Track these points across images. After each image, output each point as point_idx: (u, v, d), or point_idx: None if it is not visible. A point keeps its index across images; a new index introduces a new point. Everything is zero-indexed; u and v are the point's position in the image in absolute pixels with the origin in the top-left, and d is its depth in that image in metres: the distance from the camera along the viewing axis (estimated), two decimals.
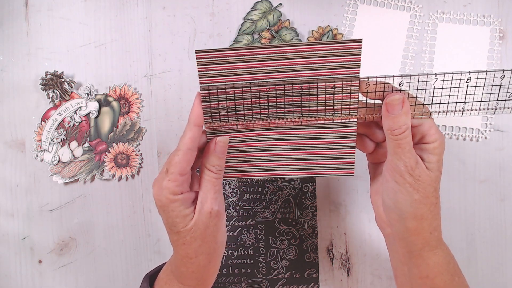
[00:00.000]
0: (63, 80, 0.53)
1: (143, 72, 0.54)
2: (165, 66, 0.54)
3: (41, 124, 0.53)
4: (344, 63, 0.36)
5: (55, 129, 0.53)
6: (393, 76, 0.37)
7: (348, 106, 0.38)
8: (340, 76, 0.37)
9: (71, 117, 0.53)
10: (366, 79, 0.37)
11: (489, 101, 0.37)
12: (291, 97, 0.38)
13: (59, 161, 0.53)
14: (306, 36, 0.53)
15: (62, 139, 0.53)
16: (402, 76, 0.37)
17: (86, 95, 0.53)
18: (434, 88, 0.37)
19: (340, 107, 0.38)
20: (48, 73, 0.53)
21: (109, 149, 0.53)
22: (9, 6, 0.54)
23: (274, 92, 0.38)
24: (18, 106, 0.54)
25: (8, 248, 0.54)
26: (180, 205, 0.37)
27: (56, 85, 0.53)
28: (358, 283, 0.53)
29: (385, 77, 0.37)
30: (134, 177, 0.54)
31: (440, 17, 0.53)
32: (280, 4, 0.54)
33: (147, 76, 0.54)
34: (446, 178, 0.52)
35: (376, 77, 0.37)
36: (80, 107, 0.53)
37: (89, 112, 0.53)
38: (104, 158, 0.53)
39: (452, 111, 0.38)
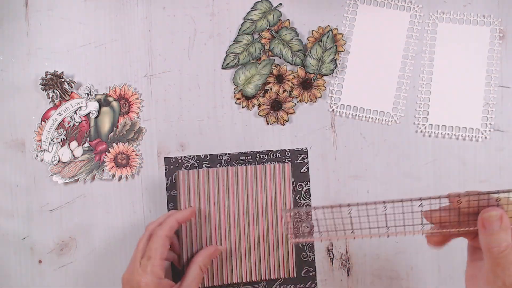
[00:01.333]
0: (63, 80, 0.53)
1: (143, 72, 0.54)
2: (165, 66, 0.54)
3: (41, 124, 0.53)
4: None
5: (55, 129, 0.53)
6: (488, 193, 0.34)
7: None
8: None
9: (71, 117, 0.53)
10: (457, 197, 0.34)
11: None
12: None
13: (59, 161, 0.53)
14: (306, 36, 0.53)
15: (62, 139, 0.53)
16: (490, 193, 0.34)
17: (86, 95, 0.53)
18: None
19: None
20: (48, 73, 0.53)
21: (109, 149, 0.53)
22: (9, 6, 0.54)
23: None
24: (18, 106, 0.54)
25: (8, 248, 0.54)
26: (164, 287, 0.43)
27: (56, 85, 0.53)
28: (358, 283, 0.53)
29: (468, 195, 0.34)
30: (134, 177, 0.54)
31: (440, 17, 0.53)
32: (280, 4, 0.54)
33: (147, 76, 0.54)
34: (446, 178, 0.52)
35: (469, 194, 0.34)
36: (80, 107, 0.53)
37: (89, 112, 0.53)
38: (104, 158, 0.53)
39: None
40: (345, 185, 0.53)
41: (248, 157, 0.53)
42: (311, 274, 0.53)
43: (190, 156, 0.53)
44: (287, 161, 0.53)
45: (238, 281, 0.52)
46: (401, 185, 0.53)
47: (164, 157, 0.53)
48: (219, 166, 0.53)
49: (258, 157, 0.53)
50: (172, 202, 0.53)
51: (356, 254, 0.53)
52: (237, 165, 0.53)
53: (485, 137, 0.52)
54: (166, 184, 0.53)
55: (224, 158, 0.53)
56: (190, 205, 0.52)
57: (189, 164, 0.53)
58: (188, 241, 0.52)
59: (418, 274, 0.52)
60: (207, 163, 0.53)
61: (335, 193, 0.53)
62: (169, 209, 0.53)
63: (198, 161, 0.53)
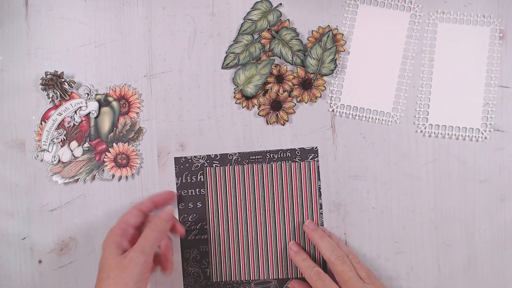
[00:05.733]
0: (63, 80, 0.53)
1: (143, 72, 0.54)
2: (165, 66, 0.54)
3: (41, 124, 0.53)
4: None
5: (55, 129, 0.53)
6: None
7: None
8: None
9: (71, 117, 0.53)
10: None
11: None
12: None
13: (59, 161, 0.53)
14: (306, 36, 0.54)
15: (62, 139, 0.53)
16: None
17: (86, 95, 0.53)
18: None
19: None
20: (48, 73, 0.53)
21: (109, 149, 0.53)
22: (9, 6, 0.54)
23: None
24: (18, 106, 0.54)
25: (8, 248, 0.54)
26: None
27: (56, 85, 0.53)
28: None
29: None
30: (134, 177, 0.54)
31: (440, 17, 0.53)
32: (280, 4, 0.54)
33: (147, 76, 0.54)
34: (446, 178, 0.52)
35: None
36: (80, 107, 0.53)
37: (89, 112, 0.53)
38: (104, 158, 0.53)
39: None
40: (345, 185, 0.53)
41: (259, 156, 0.53)
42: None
43: (200, 156, 0.53)
44: (297, 160, 0.53)
45: (247, 279, 0.52)
46: (401, 185, 0.53)
47: (174, 157, 0.53)
48: (229, 165, 0.53)
49: (269, 156, 0.53)
50: (183, 202, 0.53)
51: (356, 254, 0.53)
52: (258, 164, 0.53)
53: (485, 137, 0.52)
54: (177, 184, 0.53)
55: (234, 158, 0.53)
56: (217, 202, 0.53)
57: (199, 164, 0.53)
58: (215, 235, 0.53)
59: (418, 274, 0.52)
60: (217, 162, 0.53)
61: (335, 193, 0.53)
62: (179, 210, 0.53)
63: (208, 161, 0.53)
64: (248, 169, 0.53)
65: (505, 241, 0.52)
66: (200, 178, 0.53)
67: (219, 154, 0.53)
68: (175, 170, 0.53)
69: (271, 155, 0.53)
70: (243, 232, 0.53)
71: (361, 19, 0.54)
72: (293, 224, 0.52)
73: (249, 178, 0.53)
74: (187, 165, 0.53)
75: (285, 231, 0.52)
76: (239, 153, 0.53)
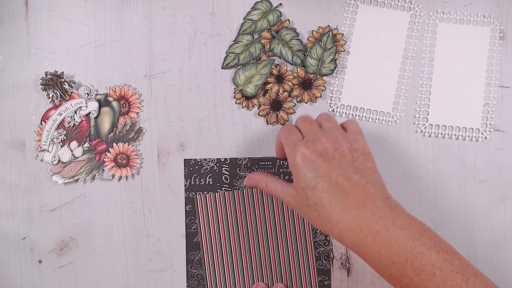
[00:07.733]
0: (63, 80, 0.53)
1: (143, 72, 0.54)
2: (165, 66, 0.54)
3: (41, 124, 0.53)
4: None
5: (55, 129, 0.53)
6: None
7: None
8: None
9: (71, 117, 0.53)
10: None
11: None
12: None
13: (59, 161, 0.53)
14: (306, 36, 0.54)
15: (62, 139, 0.53)
16: None
17: (86, 95, 0.53)
18: None
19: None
20: (48, 73, 0.53)
21: (109, 149, 0.53)
22: (9, 6, 0.54)
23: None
24: (18, 106, 0.54)
25: (8, 248, 0.54)
26: None
27: (56, 85, 0.53)
28: (358, 283, 0.53)
29: None
30: (134, 177, 0.54)
31: (440, 17, 0.53)
32: (280, 4, 0.54)
33: (147, 76, 0.54)
34: (446, 178, 0.52)
35: None
36: (80, 107, 0.53)
37: (89, 112, 0.53)
38: (104, 158, 0.53)
39: None
40: None
41: (268, 162, 0.53)
42: (325, 283, 0.53)
43: (210, 159, 0.53)
44: None
45: None
46: (401, 185, 0.53)
47: (184, 159, 0.53)
48: (238, 170, 0.53)
49: (278, 163, 0.53)
50: (190, 204, 0.53)
51: (356, 254, 0.53)
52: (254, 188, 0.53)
53: (485, 137, 0.52)
54: (185, 186, 0.53)
55: (244, 163, 0.53)
56: (209, 228, 0.52)
57: (208, 167, 0.53)
58: (210, 263, 0.52)
59: None
60: (227, 166, 0.53)
61: None
62: (186, 211, 0.53)
63: (217, 164, 0.53)
64: (239, 196, 0.53)
65: (505, 241, 0.52)
66: (209, 181, 0.53)
67: (229, 158, 0.53)
68: (184, 172, 0.53)
69: (281, 161, 0.53)
70: (238, 264, 0.53)
71: (361, 19, 0.54)
72: (287, 249, 0.52)
73: (240, 206, 0.53)
74: (197, 167, 0.53)
75: (279, 259, 0.52)
76: (249, 158, 0.53)
